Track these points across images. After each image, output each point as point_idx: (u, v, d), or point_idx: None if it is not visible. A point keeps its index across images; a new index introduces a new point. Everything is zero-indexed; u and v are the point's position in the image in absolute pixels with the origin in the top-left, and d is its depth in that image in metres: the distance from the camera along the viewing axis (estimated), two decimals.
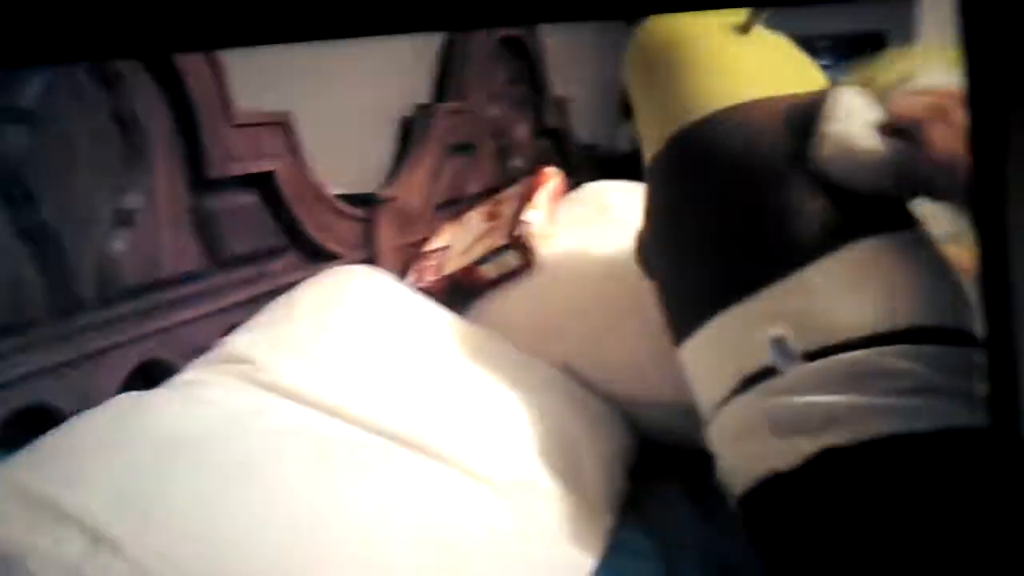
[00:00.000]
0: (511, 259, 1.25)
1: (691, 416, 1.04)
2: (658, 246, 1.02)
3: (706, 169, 0.92)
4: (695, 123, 0.93)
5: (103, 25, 0.69)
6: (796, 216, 0.85)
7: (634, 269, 1.18)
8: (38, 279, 0.80)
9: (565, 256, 1.31)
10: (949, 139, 0.82)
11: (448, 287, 1.23)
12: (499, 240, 1.27)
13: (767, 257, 0.86)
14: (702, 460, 1.05)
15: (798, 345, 0.82)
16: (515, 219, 1.32)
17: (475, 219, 1.45)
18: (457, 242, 1.39)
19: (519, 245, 1.25)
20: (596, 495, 0.98)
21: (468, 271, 1.27)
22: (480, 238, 1.35)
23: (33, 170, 0.79)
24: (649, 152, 1.00)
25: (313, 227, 1.16)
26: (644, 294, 1.14)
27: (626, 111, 2.88)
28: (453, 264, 1.31)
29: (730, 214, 0.89)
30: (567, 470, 0.96)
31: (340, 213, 1.22)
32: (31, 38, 0.68)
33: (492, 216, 1.42)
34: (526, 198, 1.38)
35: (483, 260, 1.26)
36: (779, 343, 0.83)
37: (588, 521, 0.94)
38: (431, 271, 1.34)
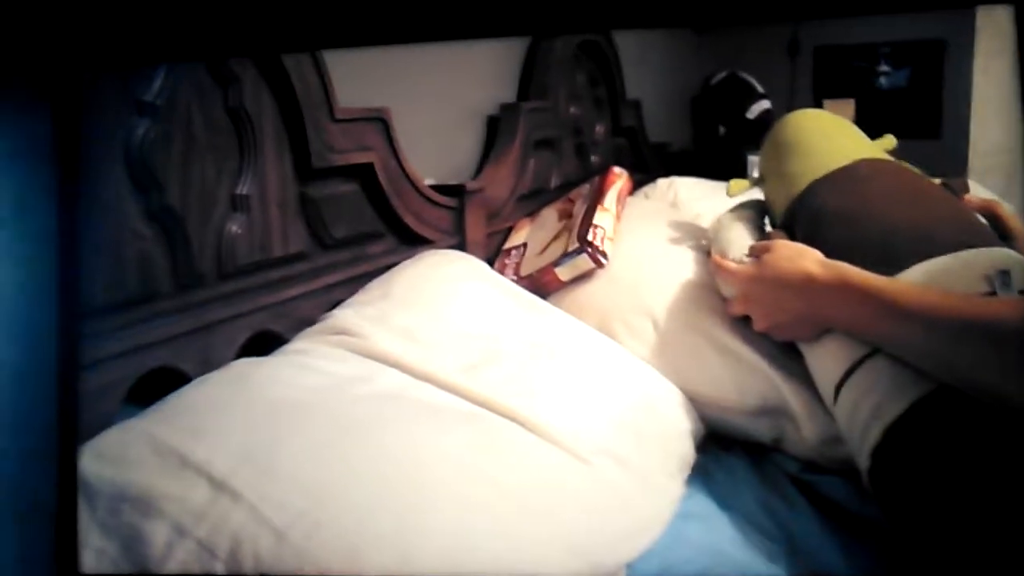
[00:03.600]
0: (583, 263, 1.23)
1: (752, 416, 1.06)
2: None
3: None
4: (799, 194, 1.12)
5: (220, 28, 0.70)
6: None
7: (702, 270, 1.19)
8: (164, 257, 0.82)
9: (637, 253, 1.28)
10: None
11: (526, 287, 1.22)
12: (572, 243, 1.25)
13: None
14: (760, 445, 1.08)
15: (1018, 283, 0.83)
16: (586, 220, 1.29)
17: (550, 217, 1.43)
18: (533, 241, 1.37)
19: (591, 248, 1.22)
20: (670, 467, 0.97)
21: (544, 272, 1.25)
22: (555, 238, 1.33)
23: (159, 159, 0.80)
24: (778, 212, 1.19)
25: (408, 214, 1.17)
26: (712, 294, 1.14)
27: (693, 114, 2.86)
28: (530, 265, 1.30)
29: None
30: (642, 442, 0.95)
31: (432, 202, 1.23)
32: (157, 39, 0.69)
33: (565, 214, 1.40)
34: (597, 198, 1.35)
35: (558, 263, 1.24)
36: (1004, 275, 0.84)
37: (662, 489, 0.93)
38: (510, 269, 1.32)
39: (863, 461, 0.85)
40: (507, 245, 1.42)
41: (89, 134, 0.73)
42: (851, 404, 0.88)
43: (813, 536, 0.88)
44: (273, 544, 0.66)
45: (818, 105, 3.07)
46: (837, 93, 3.21)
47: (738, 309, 1.06)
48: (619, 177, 1.43)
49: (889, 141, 1.23)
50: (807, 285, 0.93)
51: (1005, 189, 2.83)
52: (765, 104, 2.73)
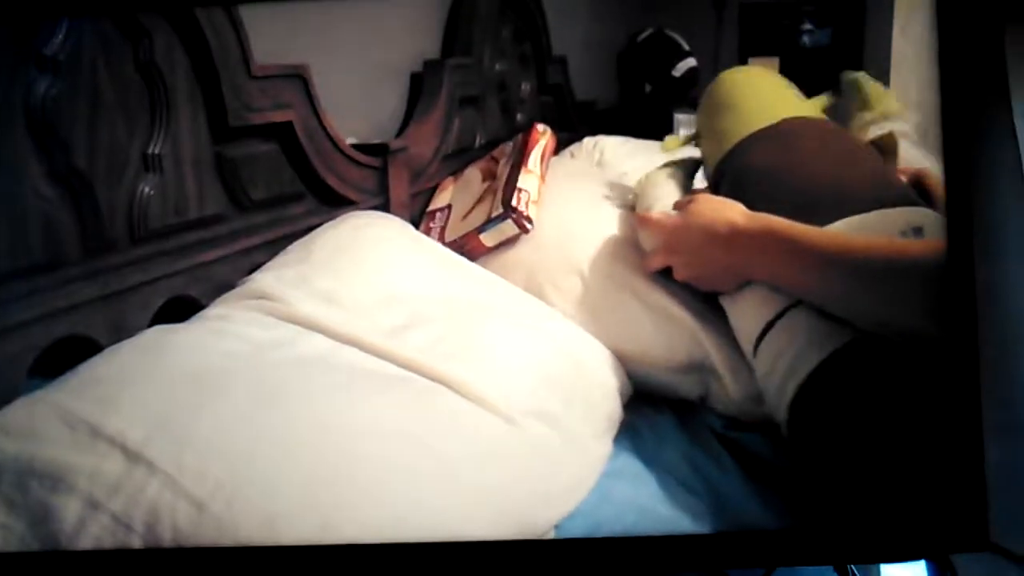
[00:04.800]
0: (508, 228, 1.22)
1: (679, 373, 1.07)
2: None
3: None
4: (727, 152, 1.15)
5: None
6: None
7: (629, 228, 1.19)
8: (71, 220, 0.79)
9: (563, 212, 1.28)
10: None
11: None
12: (497, 207, 1.24)
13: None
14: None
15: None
16: (510, 183, 1.28)
17: (474, 178, 1.41)
18: (458, 203, 1.36)
19: (516, 213, 1.22)
20: (598, 426, 0.98)
21: (468, 238, 1.24)
22: (479, 201, 1.32)
23: (64, 118, 0.77)
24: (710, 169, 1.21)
25: (329, 175, 1.14)
26: (639, 251, 1.14)
27: (619, 71, 2.87)
28: (455, 230, 1.28)
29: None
30: (569, 402, 0.95)
31: (355, 162, 1.20)
32: None
33: (488, 174, 1.39)
34: (520, 159, 1.35)
35: (482, 228, 1.23)
36: (917, 232, 0.87)
37: (590, 449, 0.94)
38: (435, 233, 1.31)
39: (781, 415, 0.88)
40: (431, 207, 1.40)
41: None
42: (769, 358, 0.91)
43: (737, 492, 0.90)
44: (192, 515, 0.65)
45: (744, 62, 3.11)
46: (763, 51, 3.25)
47: (658, 261, 1.07)
48: (542, 135, 1.42)
49: (823, 100, 1.25)
50: (731, 234, 0.95)
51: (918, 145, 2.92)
52: (691, 62, 2.75)
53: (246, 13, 0.97)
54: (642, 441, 1.01)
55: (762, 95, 1.21)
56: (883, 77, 2.98)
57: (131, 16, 0.83)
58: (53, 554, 0.67)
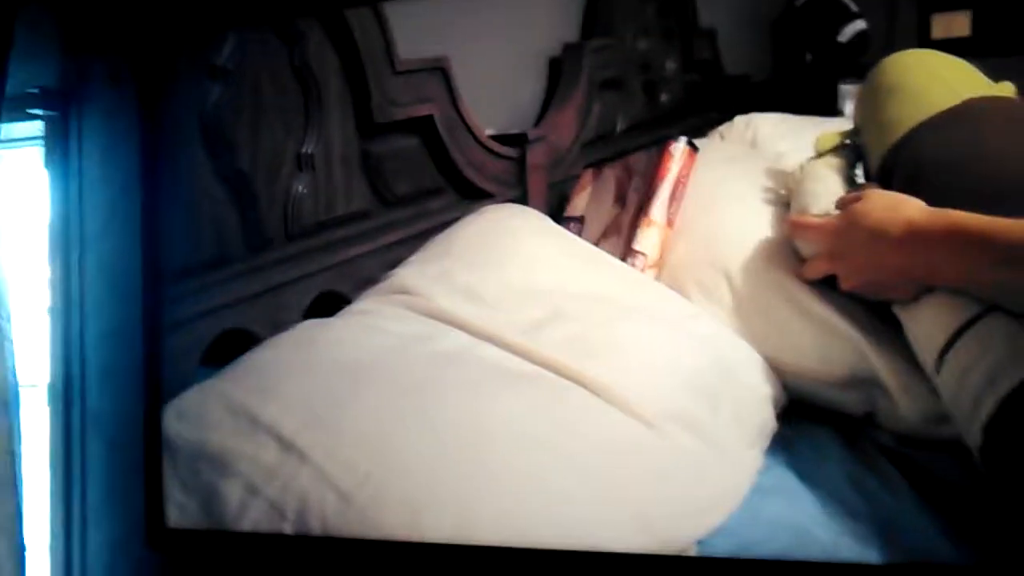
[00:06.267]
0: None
1: (840, 388, 1.06)
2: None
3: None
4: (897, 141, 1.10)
5: None
6: None
7: (781, 226, 1.18)
8: (235, 219, 0.93)
9: (711, 204, 1.31)
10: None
11: None
12: (623, 246, 1.29)
13: None
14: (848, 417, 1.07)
15: None
16: (630, 236, 1.33)
17: (607, 191, 1.43)
18: (590, 220, 1.39)
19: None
20: (747, 436, 1.00)
21: None
22: (604, 233, 1.37)
23: (230, 121, 0.91)
24: (874, 165, 1.16)
25: (468, 168, 1.26)
26: (790, 253, 1.15)
27: (775, 40, 2.85)
28: None
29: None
30: (720, 410, 0.99)
31: (493, 153, 1.31)
32: (227, 4, 0.79)
33: (620, 192, 1.41)
34: (645, 200, 1.35)
35: None
36: None
37: (737, 460, 0.97)
38: None
39: (974, 438, 0.84)
40: (568, 211, 1.46)
41: (167, 100, 0.83)
42: (958, 373, 0.87)
43: (911, 516, 0.89)
44: (339, 506, 0.76)
45: (925, 22, 3.01)
46: (949, 4, 3.11)
47: (821, 268, 1.05)
48: (674, 159, 1.40)
49: (1006, 87, 1.17)
50: (908, 234, 0.91)
51: None
52: (860, 24, 2.69)
53: (389, 7, 1.09)
54: (798, 455, 1.01)
55: (938, 76, 1.16)
56: None
57: (289, 22, 0.96)
58: (220, 533, 0.80)
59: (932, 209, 0.92)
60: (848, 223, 1.00)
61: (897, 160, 1.09)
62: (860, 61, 2.78)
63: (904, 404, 1.00)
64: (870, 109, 1.24)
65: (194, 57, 0.87)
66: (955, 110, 1.07)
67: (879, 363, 1.03)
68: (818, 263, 1.06)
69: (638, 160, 1.48)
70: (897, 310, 1.00)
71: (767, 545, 0.86)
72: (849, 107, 2.27)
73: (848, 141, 1.29)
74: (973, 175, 0.97)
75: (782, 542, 0.86)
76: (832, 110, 2.42)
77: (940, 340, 0.90)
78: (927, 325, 0.94)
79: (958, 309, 0.89)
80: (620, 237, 1.33)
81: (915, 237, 0.91)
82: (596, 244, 1.33)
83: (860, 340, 1.05)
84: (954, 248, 0.88)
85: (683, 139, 1.44)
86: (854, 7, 2.65)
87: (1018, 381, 0.80)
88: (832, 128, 1.36)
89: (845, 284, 1.03)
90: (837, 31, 2.69)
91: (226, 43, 0.90)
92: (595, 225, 1.39)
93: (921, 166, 1.02)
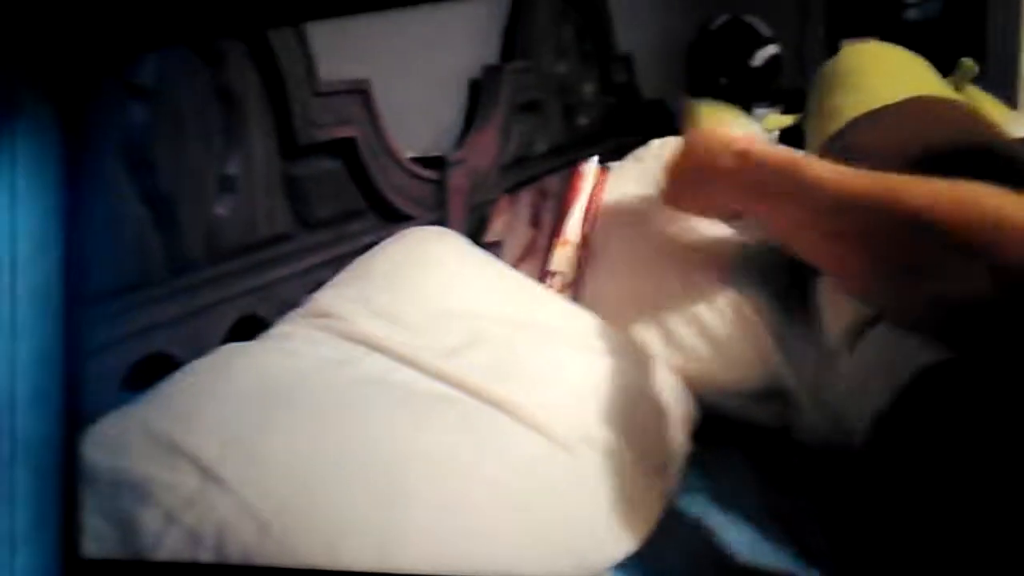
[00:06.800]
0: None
1: (752, 400, 1.15)
2: None
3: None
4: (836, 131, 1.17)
5: (208, 8, 0.83)
6: None
7: (695, 245, 1.27)
8: (158, 241, 0.95)
9: (625, 232, 1.38)
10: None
11: None
12: (540, 267, 1.37)
13: None
14: (763, 431, 1.15)
15: None
16: (545, 259, 1.39)
17: (523, 215, 1.49)
18: (507, 244, 1.46)
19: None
20: (660, 457, 1.05)
21: None
22: (522, 256, 1.42)
23: (151, 142, 0.93)
24: (813, 149, 1.23)
25: (389, 190, 1.30)
26: (710, 266, 1.24)
27: (690, 64, 2.96)
28: None
29: None
30: (631, 430, 1.03)
31: (414, 176, 1.36)
32: (148, 24, 0.82)
33: (535, 215, 1.47)
34: (558, 221, 1.43)
35: None
36: None
37: (649, 481, 1.01)
38: None
39: (862, 421, 0.90)
40: (487, 236, 1.51)
41: (87, 118, 0.85)
42: (867, 359, 0.93)
43: (822, 535, 0.94)
44: (257, 535, 0.77)
45: (834, 47, 3.16)
46: (857, 32, 3.28)
47: (667, 195, 1.17)
48: (585, 179, 1.48)
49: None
50: (740, 159, 1.00)
51: None
52: (772, 50, 2.82)
53: (311, 29, 1.13)
54: (712, 477, 1.06)
55: (890, 71, 1.23)
56: (1010, 50, 2.92)
57: (210, 42, 0.99)
58: (136, 563, 0.81)
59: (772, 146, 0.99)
60: (689, 147, 1.11)
61: (832, 148, 1.15)
62: (772, 85, 2.92)
63: (813, 414, 1.08)
64: (818, 96, 1.30)
65: (115, 76, 0.89)
66: (897, 105, 1.13)
67: (788, 371, 1.11)
68: (666, 190, 1.17)
69: (551, 183, 1.54)
70: (818, 290, 1.06)
71: (681, 572, 0.91)
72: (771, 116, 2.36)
73: (795, 125, 1.37)
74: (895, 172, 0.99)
75: (698, 567, 0.91)
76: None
77: (857, 321, 0.97)
78: (841, 304, 1.01)
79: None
80: (537, 258, 1.38)
81: (747, 163, 0.99)
82: (515, 267, 1.39)
83: (772, 349, 1.13)
84: (784, 184, 0.92)
85: (594, 159, 1.52)
86: (766, 32, 2.78)
87: (910, 377, 0.85)
88: (779, 116, 1.41)
89: (675, 203, 1.17)
90: (750, 55, 2.82)
91: (147, 62, 0.92)
92: (513, 249, 1.45)
93: (851, 157, 1.03)
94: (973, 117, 1.13)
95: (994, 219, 0.74)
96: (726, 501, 1.02)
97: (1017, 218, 0.73)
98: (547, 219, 1.45)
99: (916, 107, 1.12)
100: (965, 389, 0.80)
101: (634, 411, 1.07)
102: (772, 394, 1.14)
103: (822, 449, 1.08)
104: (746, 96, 2.75)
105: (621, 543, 0.91)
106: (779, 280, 1.19)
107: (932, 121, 1.08)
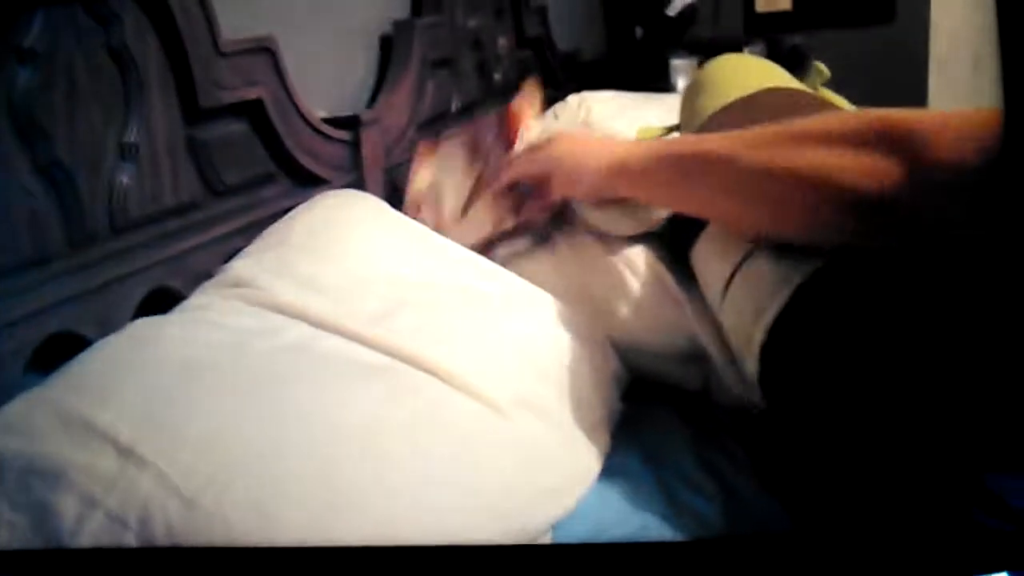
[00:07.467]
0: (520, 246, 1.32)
1: (676, 362, 1.17)
2: None
3: None
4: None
5: None
6: None
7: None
8: (56, 214, 0.90)
9: None
10: None
11: None
12: (500, 221, 1.33)
13: None
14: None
15: None
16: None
17: (456, 155, 1.45)
18: (445, 190, 1.41)
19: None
20: (593, 418, 1.05)
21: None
22: (471, 197, 1.39)
23: (44, 109, 0.88)
24: None
25: (302, 153, 1.26)
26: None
27: (606, 15, 2.95)
28: (458, 236, 1.31)
29: None
30: (566, 392, 1.03)
31: (327, 137, 1.31)
32: None
33: (474, 154, 1.43)
34: (508, 137, 1.41)
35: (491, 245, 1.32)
36: None
37: (586, 443, 1.01)
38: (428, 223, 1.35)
39: (751, 366, 0.93)
40: (412, 187, 1.46)
41: None
42: (736, 305, 0.98)
43: (751, 490, 0.96)
44: (183, 511, 0.74)
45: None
46: None
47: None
48: (524, 105, 1.46)
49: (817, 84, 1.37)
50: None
51: (970, 78, 2.94)
52: None
53: None
54: (644, 436, 1.07)
55: (741, 73, 1.32)
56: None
57: (101, 1, 0.93)
58: (55, 552, 0.77)
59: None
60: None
61: None
62: (688, 34, 2.93)
63: (728, 375, 1.09)
64: (687, 104, 1.38)
65: None
66: (746, 98, 1.21)
67: (704, 334, 1.11)
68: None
69: (483, 122, 1.50)
70: (693, 255, 1.11)
71: (620, 528, 0.91)
72: (681, 82, 2.44)
73: (668, 134, 1.41)
74: None
75: (635, 524, 0.91)
76: (664, 86, 2.54)
77: (720, 283, 1.01)
78: (711, 263, 1.06)
79: (734, 247, 0.99)
80: (496, 200, 1.34)
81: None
82: (465, 209, 1.37)
83: (688, 315, 1.14)
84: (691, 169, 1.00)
85: (528, 86, 1.51)
86: None
87: (779, 309, 0.88)
88: (655, 125, 1.47)
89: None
90: (665, 4, 2.81)
91: (33, 23, 0.86)
92: (452, 192, 1.41)
93: None
94: (821, 102, 1.21)
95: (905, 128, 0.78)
96: (659, 457, 1.03)
97: (924, 123, 0.77)
98: (495, 146, 1.41)
99: (766, 96, 1.20)
100: (848, 290, 0.83)
101: (566, 372, 1.06)
102: (693, 357, 1.15)
103: (738, 409, 1.10)
104: (663, 45, 2.76)
105: (559, 503, 0.91)
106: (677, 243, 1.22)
107: (780, 108, 1.12)
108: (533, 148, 1.23)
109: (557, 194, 1.21)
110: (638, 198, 1.15)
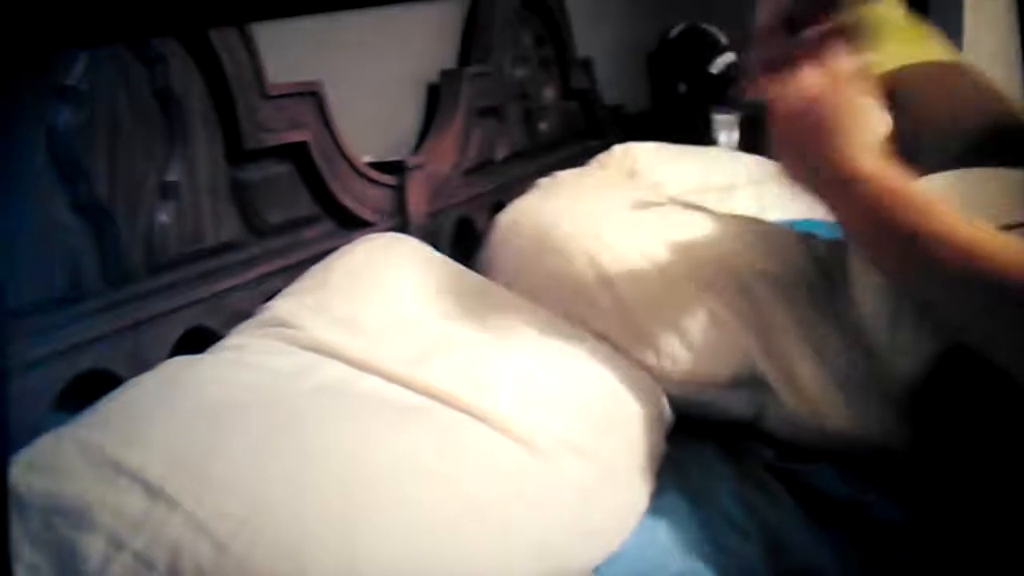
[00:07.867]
0: None
1: (726, 389, 1.14)
2: None
3: None
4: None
5: (143, 6, 0.77)
6: None
7: (665, 236, 1.25)
8: (93, 252, 0.89)
9: (592, 225, 1.35)
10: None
11: None
12: None
13: None
14: (734, 425, 1.15)
15: None
16: None
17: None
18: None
19: None
20: (635, 458, 1.03)
21: None
22: None
23: (85, 147, 0.87)
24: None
25: (345, 196, 1.24)
26: (672, 257, 1.22)
27: (651, 71, 2.94)
28: None
29: None
30: (606, 433, 1.01)
31: (371, 181, 1.30)
32: (77, 20, 0.76)
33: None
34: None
35: None
36: None
37: (630, 484, 0.99)
38: None
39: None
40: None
41: (9, 122, 0.79)
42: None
43: (797, 531, 0.94)
44: (213, 555, 0.72)
45: None
46: None
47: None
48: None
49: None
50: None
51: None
52: (730, 57, 2.82)
53: (258, 30, 1.07)
54: (688, 477, 1.06)
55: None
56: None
57: (146, 42, 0.92)
58: None
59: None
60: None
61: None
62: (730, 91, 2.90)
63: (791, 401, 1.07)
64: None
65: (41, 77, 0.83)
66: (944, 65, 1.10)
67: (764, 359, 1.10)
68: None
69: None
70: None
71: (662, 571, 0.89)
72: (723, 136, 2.37)
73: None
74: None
75: (676, 567, 0.89)
76: (707, 139, 2.52)
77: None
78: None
79: None
80: None
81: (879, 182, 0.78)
82: None
83: (746, 337, 1.12)
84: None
85: None
86: (724, 40, 2.77)
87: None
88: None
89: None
90: (709, 62, 2.80)
91: (77, 62, 0.85)
92: None
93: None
94: (982, 86, 1.09)
95: None
96: (701, 497, 1.02)
97: None
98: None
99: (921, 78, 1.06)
100: None
101: (609, 414, 1.05)
102: (744, 382, 1.14)
103: (791, 440, 1.09)
104: (705, 101, 2.75)
105: (601, 546, 0.90)
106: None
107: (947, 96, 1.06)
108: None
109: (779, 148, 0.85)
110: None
